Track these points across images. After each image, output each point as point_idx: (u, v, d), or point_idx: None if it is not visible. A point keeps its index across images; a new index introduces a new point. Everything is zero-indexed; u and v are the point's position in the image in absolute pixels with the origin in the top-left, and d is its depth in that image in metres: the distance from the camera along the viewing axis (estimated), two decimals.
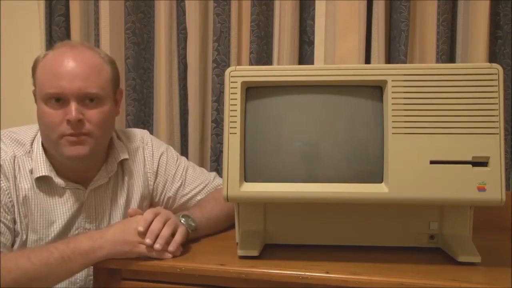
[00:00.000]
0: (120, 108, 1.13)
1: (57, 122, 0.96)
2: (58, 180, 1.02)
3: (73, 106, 0.95)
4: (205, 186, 1.18)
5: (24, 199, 1.00)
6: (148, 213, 0.91)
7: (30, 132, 1.05)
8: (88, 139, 0.98)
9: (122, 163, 1.11)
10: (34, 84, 1.02)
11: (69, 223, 1.04)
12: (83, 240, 0.88)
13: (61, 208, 1.03)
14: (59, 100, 0.96)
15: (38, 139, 1.04)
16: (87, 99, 0.98)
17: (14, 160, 1.00)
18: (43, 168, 1.01)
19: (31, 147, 1.03)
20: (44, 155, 1.02)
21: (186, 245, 0.96)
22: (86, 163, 1.02)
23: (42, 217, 1.02)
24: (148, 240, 0.87)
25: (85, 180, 1.05)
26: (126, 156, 1.10)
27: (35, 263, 0.85)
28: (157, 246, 0.87)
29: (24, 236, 1.00)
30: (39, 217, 1.01)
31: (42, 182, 1.02)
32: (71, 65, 0.97)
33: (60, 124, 0.96)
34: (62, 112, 0.96)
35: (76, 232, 1.04)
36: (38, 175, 1.00)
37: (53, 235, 1.02)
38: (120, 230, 0.90)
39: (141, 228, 0.88)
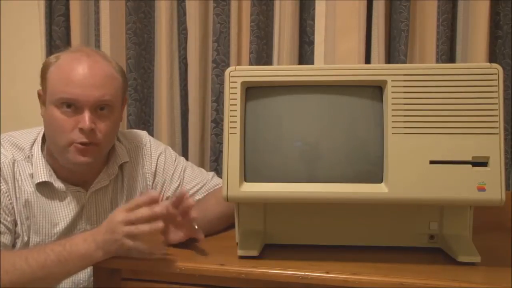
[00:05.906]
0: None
1: (69, 129, 0.96)
2: (58, 185, 1.02)
3: (86, 115, 0.95)
4: (203, 186, 1.18)
5: (26, 202, 0.99)
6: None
7: (29, 136, 1.04)
8: (96, 148, 0.98)
9: (121, 164, 1.11)
10: (43, 85, 1.00)
11: (71, 225, 1.04)
12: (79, 243, 0.87)
13: (63, 210, 1.03)
14: (71, 106, 0.96)
15: (38, 143, 1.03)
16: (98, 108, 0.98)
17: (14, 164, 1.00)
18: (42, 173, 1.00)
19: (31, 152, 1.02)
20: (43, 159, 1.02)
21: (186, 244, 0.96)
22: (87, 168, 1.02)
23: (45, 219, 1.01)
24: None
25: (85, 183, 1.06)
26: (127, 159, 1.11)
27: (32, 265, 0.84)
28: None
29: (26, 238, 1.00)
30: (42, 219, 1.01)
31: (43, 187, 1.02)
32: (88, 73, 0.96)
33: (71, 131, 0.96)
34: (74, 119, 0.96)
35: None
36: (38, 181, 1.00)
37: (56, 237, 1.02)
38: (107, 230, 0.87)
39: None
